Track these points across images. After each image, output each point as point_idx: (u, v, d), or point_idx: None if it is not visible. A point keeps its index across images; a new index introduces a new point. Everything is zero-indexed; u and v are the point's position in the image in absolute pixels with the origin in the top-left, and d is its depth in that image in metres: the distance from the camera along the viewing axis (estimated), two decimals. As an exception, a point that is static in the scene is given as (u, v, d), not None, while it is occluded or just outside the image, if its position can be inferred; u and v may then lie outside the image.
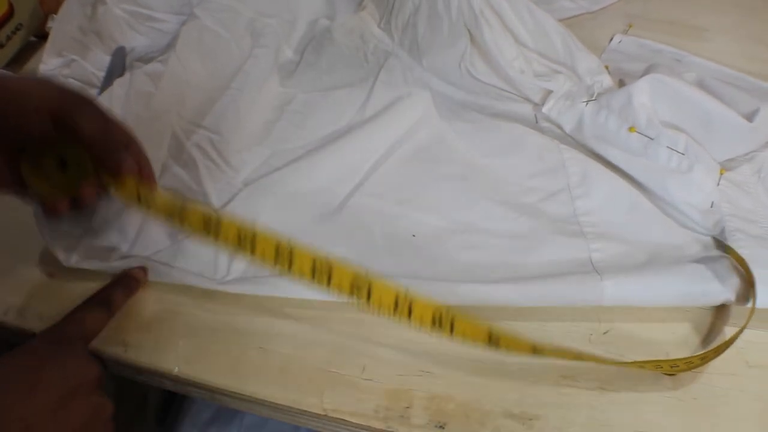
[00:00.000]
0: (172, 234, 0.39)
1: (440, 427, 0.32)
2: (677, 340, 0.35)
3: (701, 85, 0.45)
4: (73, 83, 0.48)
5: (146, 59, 0.50)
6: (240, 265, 0.37)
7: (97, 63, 0.49)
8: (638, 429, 0.32)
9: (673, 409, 0.33)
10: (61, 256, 0.37)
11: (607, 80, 0.47)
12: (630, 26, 0.57)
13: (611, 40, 0.55)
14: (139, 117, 0.44)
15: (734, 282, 0.35)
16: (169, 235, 0.38)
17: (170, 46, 0.50)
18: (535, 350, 0.32)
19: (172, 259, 0.37)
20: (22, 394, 0.27)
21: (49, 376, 0.28)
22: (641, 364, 0.33)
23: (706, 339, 0.36)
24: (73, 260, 0.37)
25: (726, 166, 0.41)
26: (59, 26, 0.51)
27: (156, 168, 0.42)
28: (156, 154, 0.43)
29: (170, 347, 0.34)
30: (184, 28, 0.50)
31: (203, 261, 0.37)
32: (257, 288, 0.36)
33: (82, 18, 0.52)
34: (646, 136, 0.41)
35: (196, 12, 0.52)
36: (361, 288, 0.30)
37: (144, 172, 0.35)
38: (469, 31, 0.48)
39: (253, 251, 0.31)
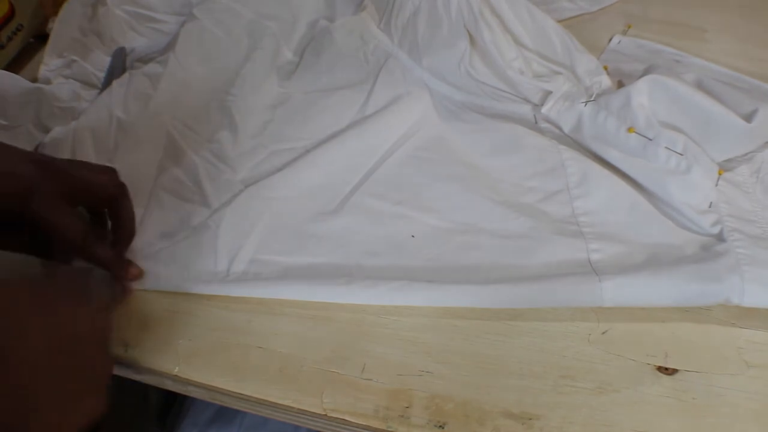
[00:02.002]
0: (170, 234, 0.39)
1: (440, 426, 0.32)
2: (676, 340, 0.35)
3: (700, 85, 0.45)
4: (72, 85, 0.48)
5: (146, 59, 0.51)
6: (240, 266, 0.37)
7: (98, 63, 0.50)
8: (637, 429, 0.32)
9: (673, 409, 0.33)
10: None
11: (606, 81, 0.47)
12: (629, 27, 0.57)
13: (610, 40, 0.56)
14: (137, 117, 0.45)
15: (732, 282, 0.35)
16: (165, 235, 0.39)
17: (169, 46, 0.50)
18: None
19: (171, 260, 0.37)
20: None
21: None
22: None
23: (705, 339, 0.36)
24: None
25: (724, 167, 0.41)
26: (60, 27, 0.51)
27: (152, 169, 0.42)
28: (153, 155, 0.43)
29: (170, 347, 0.34)
30: (183, 29, 0.50)
31: (202, 261, 0.37)
32: (258, 290, 0.36)
33: (82, 19, 0.52)
34: (644, 136, 0.41)
35: (196, 13, 0.52)
36: None
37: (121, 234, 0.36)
38: (468, 31, 0.48)
39: None
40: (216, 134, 0.44)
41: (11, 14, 0.51)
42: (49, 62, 0.50)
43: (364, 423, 0.32)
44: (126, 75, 0.47)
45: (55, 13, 0.53)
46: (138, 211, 0.39)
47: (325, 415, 0.32)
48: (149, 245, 0.38)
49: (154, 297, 0.36)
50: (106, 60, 0.50)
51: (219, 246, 0.37)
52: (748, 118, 0.41)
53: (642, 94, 0.42)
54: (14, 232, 0.33)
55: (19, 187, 0.31)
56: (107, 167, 0.36)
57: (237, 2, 0.53)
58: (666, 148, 0.41)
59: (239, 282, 0.36)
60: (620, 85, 0.48)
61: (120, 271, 0.35)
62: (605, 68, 0.49)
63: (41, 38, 0.53)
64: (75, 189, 0.33)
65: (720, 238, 0.38)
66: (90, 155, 0.42)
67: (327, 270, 0.37)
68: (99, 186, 0.35)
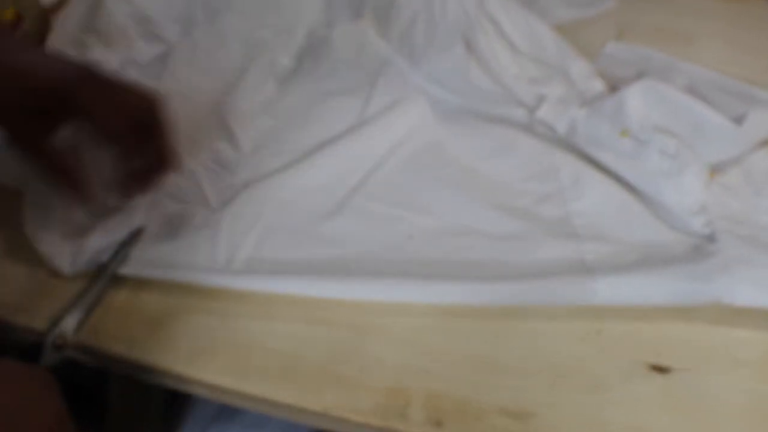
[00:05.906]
0: (170, 232, 0.39)
1: (437, 424, 0.32)
2: (669, 339, 0.36)
3: (691, 90, 0.46)
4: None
5: (147, 62, 0.51)
6: (238, 263, 0.38)
7: (94, 60, 0.50)
8: (631, 426, 0.32)
9: (665, 407, 0.33)
10: (62, 266, 0.37)
11: (599, 85, 0.48)
12: (622, 33, 0.58)
13: (604, 46, 0.56)
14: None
15: (723, 282, 0.36)
16: (166, 234, 0.39)
17: (166, 58, 0.50)
18: None
19: (170, 252, 0.37)
20: None
21: None
22: None
23: (697, 338, 0.36)
24: (69, 267, 0.37)
25: (715, 169, 0.42)
26: (61, 25, 0.51)
27: None
28: None
29: (173, 346, 0.35)
30: (179, 41, 0.51)
31: (201, 256, 0.37)
32: (255, 283, 0.37)
33: (83, 18, 0.52)
34: (637, 139, 0.42)
35: (195, 34, 0.52)
36: None
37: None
38: (465, 37, 0.48)
39: None
40: (215, 142, 0.44)
41: (19, 21, 0.52)
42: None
43: (363, 421, 0.32)
44: None
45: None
46: (137, 217, 0.40)
47: (325, 413, 0.33)
48: (148, 241, 0.38)
49: (158, 297, 0.37)
50: (103, 57, 0.50)
51: (218, 244, 0.38)
52: (738, 121, 0.42)
53: (635, 98, 0.43)
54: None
55: (63, 82, 0.32)
56: (152, 95, 0.36)
57: (234, 14, 0.54)
58: (658, 151, 0.41)
59: (237, 274, 0.37)
60: (613, 89, 0.49)
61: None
62: (599, 73, 0.49)
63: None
64: (113, 100, 0.34)
65: (711, 238, 0.39)
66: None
67: (324, 267, 0.38)
68: (136, 100, 0.35)
